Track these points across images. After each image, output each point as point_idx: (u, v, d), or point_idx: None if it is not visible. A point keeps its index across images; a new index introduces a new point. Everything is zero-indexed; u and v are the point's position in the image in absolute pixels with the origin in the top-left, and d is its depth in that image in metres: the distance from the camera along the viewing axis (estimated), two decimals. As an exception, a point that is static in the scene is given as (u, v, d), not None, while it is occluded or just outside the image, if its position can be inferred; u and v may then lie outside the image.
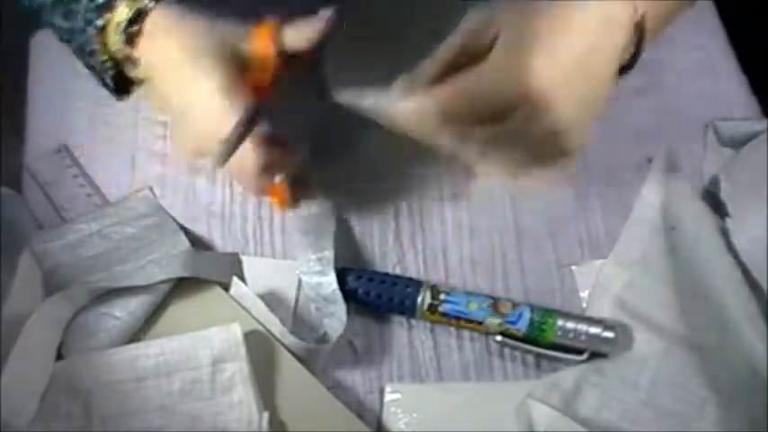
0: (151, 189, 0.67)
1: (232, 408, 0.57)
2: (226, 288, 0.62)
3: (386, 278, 0.62)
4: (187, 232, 0.65)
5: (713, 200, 0.65)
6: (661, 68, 0.71)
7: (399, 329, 0.62)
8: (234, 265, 0.64)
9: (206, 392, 0.57)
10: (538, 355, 0.61)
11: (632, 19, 0.55)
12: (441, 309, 0.60)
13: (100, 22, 0.57)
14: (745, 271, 0.60)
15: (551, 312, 0.60)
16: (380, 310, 0.63)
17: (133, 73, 0.58)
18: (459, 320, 0.61)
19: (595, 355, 0.60)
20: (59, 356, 0.59)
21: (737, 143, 0.68)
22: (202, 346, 0.57)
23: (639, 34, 0.56)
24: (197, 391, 0.57)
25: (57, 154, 0.69)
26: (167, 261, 0.62)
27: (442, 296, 0.61)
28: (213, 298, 0.61)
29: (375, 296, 0.62)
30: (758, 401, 0.57)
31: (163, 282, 0.60)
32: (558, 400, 0.58)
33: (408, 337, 0.62)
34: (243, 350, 0.57)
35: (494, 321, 0.60)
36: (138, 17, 0.56)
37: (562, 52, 0.54)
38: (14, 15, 0.61)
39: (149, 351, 0.57)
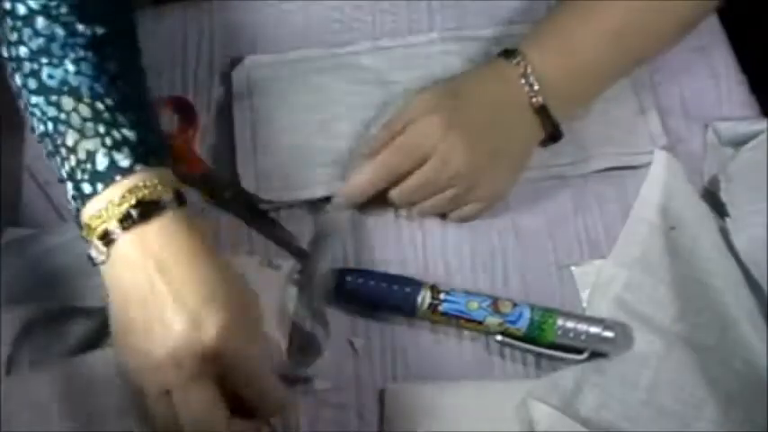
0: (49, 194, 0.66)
1: None
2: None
3: (385, 278, 0.62)
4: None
5: (713, 200, 0.65)
6: (660, 68, 0.71)
7: (399, 329, 0.62)
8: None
9: None
10: (538, 355, 0.61)
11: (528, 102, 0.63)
12: (440, 308, 0.60)
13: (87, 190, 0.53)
14: (745, 271, 0.61)
15: (551, 312, 0.60)
16: (380, 310, 0.62)
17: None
18: (459, 320, 0.61)
19: (595, 355, 0.60)
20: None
21: (737, 143, 0.68)
22: None
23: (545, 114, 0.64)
24: None
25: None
26: None
27: (442, 295, 0.61)
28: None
29: (375, 296, 0.62)
30: (758, 401, 0.57)
31: None
32: (558, 400, 0.58)
33: (408, 337, 0.62)
34: None
35: (494, 321, 0.60)
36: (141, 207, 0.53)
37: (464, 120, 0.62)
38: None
39: (106, 359, 0.57)
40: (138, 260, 0.52)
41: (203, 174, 0.67)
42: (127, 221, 0.52)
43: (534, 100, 0.63)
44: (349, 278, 0.62)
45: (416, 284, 0.61)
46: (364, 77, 0.71)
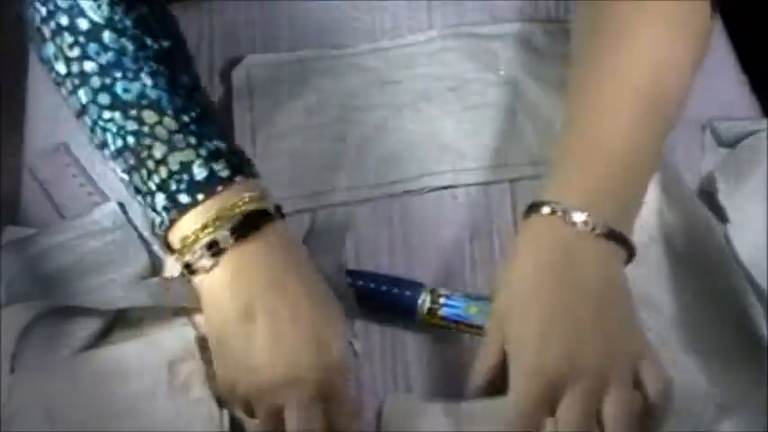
0: (120, 202, 0.66)
1: (192, 406, 0.57)
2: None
3: (386, 280, 0.62)
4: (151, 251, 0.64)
5: (709, 199, 0.65)
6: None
7: (400, 332, 0.62)
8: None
9: (165, 393, 0.57)
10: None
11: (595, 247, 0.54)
12: (440, 313, 0.60)
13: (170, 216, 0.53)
14: (749, 279, 0.60)
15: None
16: (378, 312, 0.62)
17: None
18: (459, 325, 0.60)
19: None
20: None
21: (735, 143, 0.67)
22: (157, 350, 0.58)
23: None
24: (157, 392, 0.57)
25: (56, 152, 0.69)
26: (129, 282, 0.62)
27: (442, 300, 0.60)
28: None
29: (374, 298, 0.61)
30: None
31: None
32: None
33: (409, 340, 0.62)
34: (197, 352, 0.58)
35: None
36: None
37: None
38: (14, 15, 0.61)
39: (108, 356, 0.58)
40: (252, 272, 0.53)
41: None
42: (240, 231, 0.52)
43: (598, 232, 0.54)
44: (348, 279, 0.62)
45: (416, 287, 0.61)
46: (365, 78, 0.71)
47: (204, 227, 0.53)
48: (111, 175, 0.67)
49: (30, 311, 0.59)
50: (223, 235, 0.52)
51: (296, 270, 0.54)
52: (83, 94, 0.56)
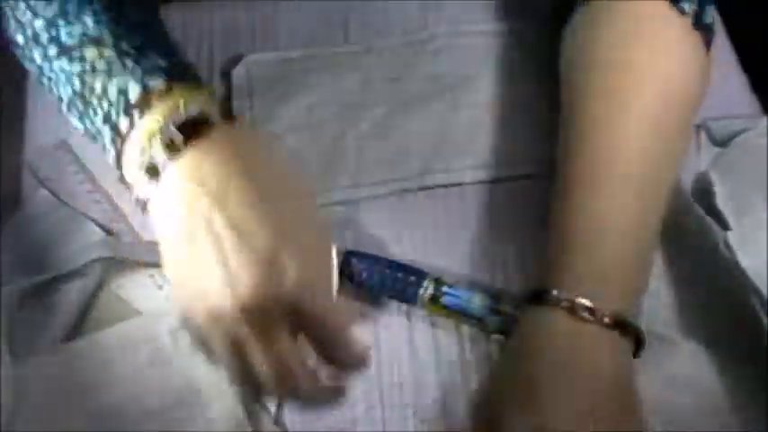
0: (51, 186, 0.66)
1: (199, 367, 0.57)
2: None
3: (391, 264, 0.62)
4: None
5: (702, 197, 0.63)
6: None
7: (399, 329, 0.62)
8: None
9: (171, 358, 0.58)
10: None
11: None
12: (442, 300, 0.60)
13: (123, 127, 0.49)
14: (752, 286, 0.58)
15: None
16: (381, 296, 0.62)
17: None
18: (460, 315, 0.60)
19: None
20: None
21: (729, 142, 0.66)
22: (159, 321, 0.59)
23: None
24: (163, 358, 0.58)
25: (57, 150, 0.69)
26: (89, 246, 0.62)
27: (445, 288, 0.60)
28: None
29: (378, 280, 0.61)
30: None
31: (95, 261, 0.61)
32: None
33: (408, 337, 0.62)
34: None
35: (494, 320, 0.60)
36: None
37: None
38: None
39: (112, 333, 0.59)
40: (192, 191, 0.46)
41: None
42: (172, 147, 0.47)
43: (607, 320, 0.51)
44: (354, 260, 0.62)
45: (421, 274, 0.61)
46: (364, 76, 0.71)
47: (142, 150, 0.48)
48: (111, 172, 0.68)
49: (19, 289, 0.60)
50: (158, 153, 0.47)
51: (247, 180, 0.47)
52: (37, 56, 0.55)
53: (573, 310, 0.50)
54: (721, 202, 0.62)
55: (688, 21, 0.60)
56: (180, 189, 0.47)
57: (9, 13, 0.56)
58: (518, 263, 0.64)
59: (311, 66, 0.72)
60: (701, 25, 0.61)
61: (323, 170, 0.67)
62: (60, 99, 0.55)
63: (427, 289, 0.60)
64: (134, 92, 0.49)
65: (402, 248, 0.65)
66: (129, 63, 0.51)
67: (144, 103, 0.49)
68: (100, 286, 0.62)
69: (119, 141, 0.50)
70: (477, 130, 0.68)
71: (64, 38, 0.53)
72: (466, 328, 0.61)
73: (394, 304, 0.62)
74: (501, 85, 0.70)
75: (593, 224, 0.53)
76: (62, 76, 0.53)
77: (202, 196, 0.46)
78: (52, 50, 0.54)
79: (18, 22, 0.55)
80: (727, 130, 0.67)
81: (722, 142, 0.67)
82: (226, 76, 0.72)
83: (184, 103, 0.48)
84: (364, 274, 0.62)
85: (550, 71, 0.70)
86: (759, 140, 0.65)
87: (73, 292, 0.61)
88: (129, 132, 0.49)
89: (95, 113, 0.51)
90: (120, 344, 0.58)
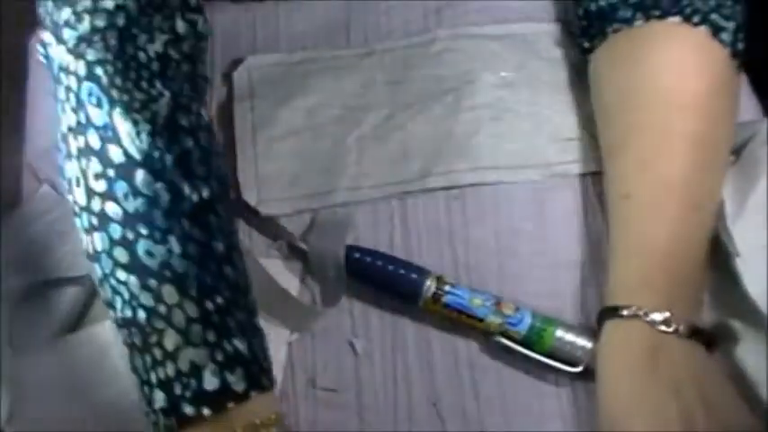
0: (52, 185, 0.66)
1: None
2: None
3: (394, 261, 0.62)
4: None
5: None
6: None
7: (401, 330, 0.62)
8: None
9: None
10: (536, 361, 0.60)
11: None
12: (444, 299, 0.60)
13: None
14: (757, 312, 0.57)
15: (553, 321, 0.60)
16: (383, 293, 0.62)
17: None
18: (461, 314, 0.60)
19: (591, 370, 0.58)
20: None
21: (737, 150, 0.65)
22: None
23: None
24: None
25: (57, 151, 0.69)
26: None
27: (447, 287, 0.61)
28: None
29: (380, 276, 0.61)
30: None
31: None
32: None
33: (409, 338, 0.62)
34: None
35: (494, 320, 0.60)
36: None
37: None
38: (14, 15, 0.61)
39: (110, 326, 0.56)
40: None
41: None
42: None
43: (682, 331, 0.52)
44: (357, 255, 0.62)
45: (423, 272, 0.61)
46: (365, 78, 0.71)
47: None
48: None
49: (16, 289, 0.60)
50: None
51: None
52: (98, 240, 0.48)
53: (650, 321, 0.51)
54: (730, 222, 0.60)
55: (727, 52, 0.60)
56: None
57: (74, 150, 0.50)
58: (519, 265, 0.65)
59: (312, 68, 0.72)
60: (737, 54, 0.61)
61: (324, 172, 0.67)
62: (111, 305, 0.49)
63: (430, 287, 0.61)
64: (210, 383, 0.46)
65: (402, 251, 0.65)
66: (211, 337, 0.47)
67: (217, 403, 0.46)
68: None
69: (172, 419, 0.46)
70: (478, 132, 0.68)
71: (141, 252, 0.47)
72: (466, 328, 0.62)
73: (394, 302, 0.63)
74: (502, 88, 0.70)
75: (659, 244, 0.55)
76: (124, 292, 0.47)
77: None
78: (121, 256, 0.47)
79: (85, 178, 0.49)
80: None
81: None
82: (227, 78, 0.72)
83: (261, 421, 0.47)
84: (367, 270, 0.62)
85: (552, 74, 0.70)
86: (761, 151, 0.64)
87: (72, 291, 0.61)
88: (191, 423, 0.46)
89: (153, 367, 0.47)
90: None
